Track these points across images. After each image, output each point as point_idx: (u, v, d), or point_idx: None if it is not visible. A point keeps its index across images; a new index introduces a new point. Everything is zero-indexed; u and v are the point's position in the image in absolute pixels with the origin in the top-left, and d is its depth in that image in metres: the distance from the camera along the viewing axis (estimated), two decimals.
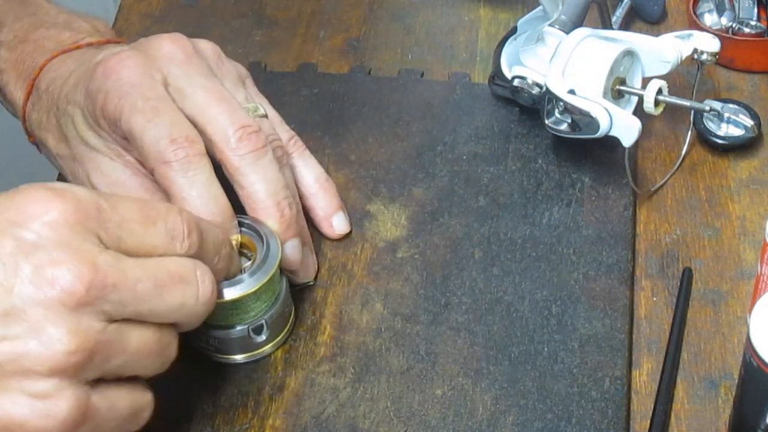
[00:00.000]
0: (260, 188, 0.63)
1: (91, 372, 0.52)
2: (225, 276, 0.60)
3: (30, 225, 0.51)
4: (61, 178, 0.72)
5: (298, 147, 0.70)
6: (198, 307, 0.56)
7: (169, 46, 0.65)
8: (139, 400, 0.55)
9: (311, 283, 0.68)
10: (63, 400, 0.50)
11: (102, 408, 0.52)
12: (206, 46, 0.68)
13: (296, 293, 0.67)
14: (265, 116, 0.67)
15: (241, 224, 0.63)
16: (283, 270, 0.64)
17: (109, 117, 0.62)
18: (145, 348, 0.54)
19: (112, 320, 0.52)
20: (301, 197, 0.69)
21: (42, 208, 0.51)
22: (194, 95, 0.63)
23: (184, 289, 0.55)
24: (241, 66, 0.70)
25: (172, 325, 0.56)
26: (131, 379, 0.55)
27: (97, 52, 0.67)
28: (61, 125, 0.66)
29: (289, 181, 0.66)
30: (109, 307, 0.51)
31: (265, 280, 0.61)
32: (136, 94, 0.62)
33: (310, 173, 0.70)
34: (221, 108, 0.63)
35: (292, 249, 0.65)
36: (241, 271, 0.62)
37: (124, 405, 0.54)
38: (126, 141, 0.63)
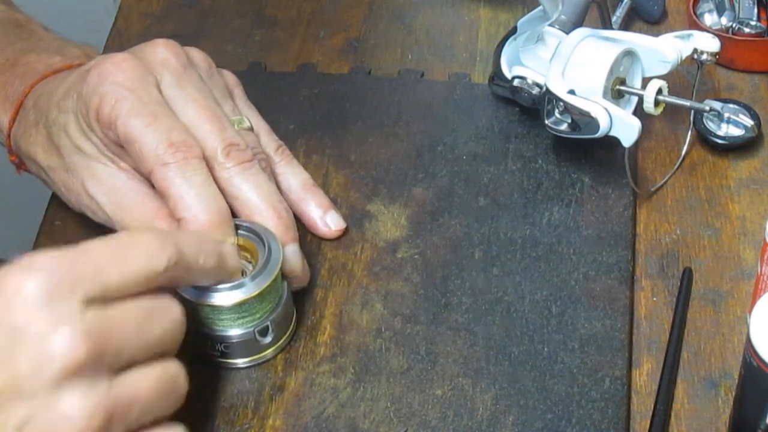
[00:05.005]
0: (253, 195, 0.64)
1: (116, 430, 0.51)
2: (223, 275, 0.60)
3: (10, 307, 0.49)
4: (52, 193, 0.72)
5: (285, 156, 0.70)
6: (175, 333, 0.55)
7: (164, 53, 0.65)
8: None
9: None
10: None
11: None
12: (198, 55, 0.68)
13: (296, 294, 0.67)
14: (251, 129, 0.68)
15: (241, 228, 0.63)
16: (283, 275, 0.64)
17: (103, 120, 0.62)
18: (155, 388, 0.53)
19: (113, 374, 0.51)
20: (291, 204, 0.69)
21: (16, 286, 0.49)
22: (185, 109, 0.64)
23: (160, 318, 0.54)
24: (231, 75, 0.71)
25: (170, 358, 0.55)
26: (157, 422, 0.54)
27: (86, 66, 0.66)
28: (52, 135, 0.66)
29: (276, 189, 0.66)
30: (107, 361, 0.51)
31: (270, 281, 0.61)
32: (132, 98, 0.62)
33: (297, 179, 0.70)
34: (212, 125, 0.64)
35: (293, 253, 0.65)
36: (242, 274, 0.62)
37: None
38: (118, 147, 0.63)
